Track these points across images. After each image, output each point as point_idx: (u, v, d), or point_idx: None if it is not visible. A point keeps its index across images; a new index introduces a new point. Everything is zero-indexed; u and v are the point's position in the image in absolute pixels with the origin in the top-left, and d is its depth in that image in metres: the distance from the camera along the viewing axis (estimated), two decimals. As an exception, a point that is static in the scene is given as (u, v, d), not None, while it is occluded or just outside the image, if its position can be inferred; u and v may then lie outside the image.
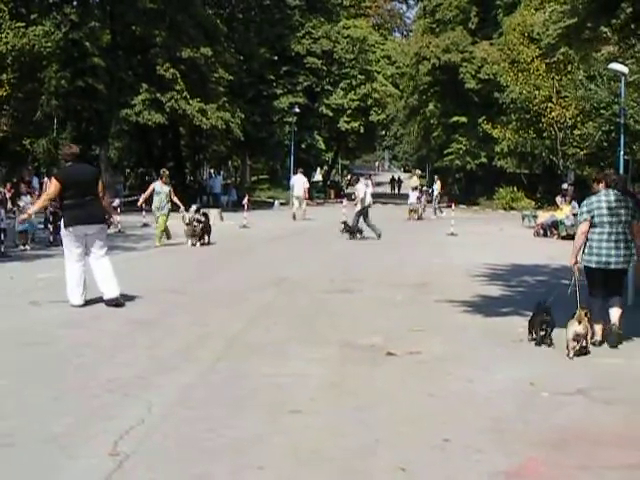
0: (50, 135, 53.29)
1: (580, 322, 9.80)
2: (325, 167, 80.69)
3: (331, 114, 65.11)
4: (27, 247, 22.56)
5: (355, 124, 66.18)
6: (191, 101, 47.56)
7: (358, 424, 7.04)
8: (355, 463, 6.16)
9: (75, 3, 49.58)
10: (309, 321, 12.10)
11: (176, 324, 11.67)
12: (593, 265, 10.78)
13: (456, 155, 62.56)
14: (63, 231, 13.34)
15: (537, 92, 49.06)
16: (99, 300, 13.08)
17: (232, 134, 52.01)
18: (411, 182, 45.63)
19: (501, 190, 55.02)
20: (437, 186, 49.19)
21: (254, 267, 19.35)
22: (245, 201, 36.74)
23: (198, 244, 24.35)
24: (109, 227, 14.42)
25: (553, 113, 48.70)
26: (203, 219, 24.98)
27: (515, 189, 54.04)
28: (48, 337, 10.55)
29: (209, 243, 24.93)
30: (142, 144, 58.48)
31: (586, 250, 10.81)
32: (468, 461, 6.24)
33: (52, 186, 13.39)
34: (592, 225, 10.71)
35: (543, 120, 49.47)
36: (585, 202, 10.96)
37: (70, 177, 13.29)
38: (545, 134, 50.79)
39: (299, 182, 42.56)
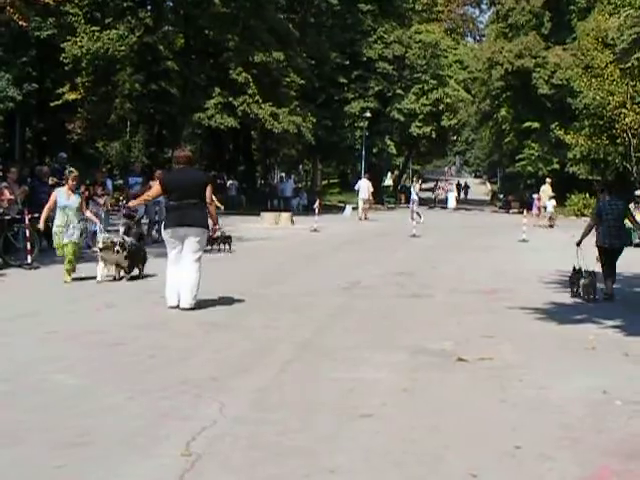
0: (123, 138, 53.89)
1: None
2: (396, 172, 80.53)
3: (402, 119, 64.88)
4: (95, 248, 22.82)
5: (427, 129, 65.91)
6: (263, 105, 47.76)
7: (429, 430, 7.03)
8: (425, 469, 6.15)
9: (149, 7, 50.16)
10: (379, 326, 12.10)
11: (248, 327, 11.75)
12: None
13: (528, 161, 62.09)
14: (163, 232, 13.74)
15: (611, 98, 48.45)
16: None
17: (303, 138, 52.14)
18: (548, 192, 44.34)
19: (573, 197, 54.38)
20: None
21: (324, 271, 19.39)
22: (316, 205, 36.81)
23: (119, 274, 16.72)
24: (214, 234, 14.60)
25: (627, 119, 48.06)
26: (130, 243, 17.13)
27: (587, 196, 53.42)
28: (123, 338, 10.69)
29: (141, 275, 17.11)
30: (214, 147, 59.05)
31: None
32: (539, 469, 6.20)
33: (155, 187, 14.04)
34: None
35: (617, 126, 48.88)
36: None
37: (173, 180, 13.68)
38: (618, 140, 50.20)
39: (364, 186, 44.67)
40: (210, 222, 13.96)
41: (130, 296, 14.66)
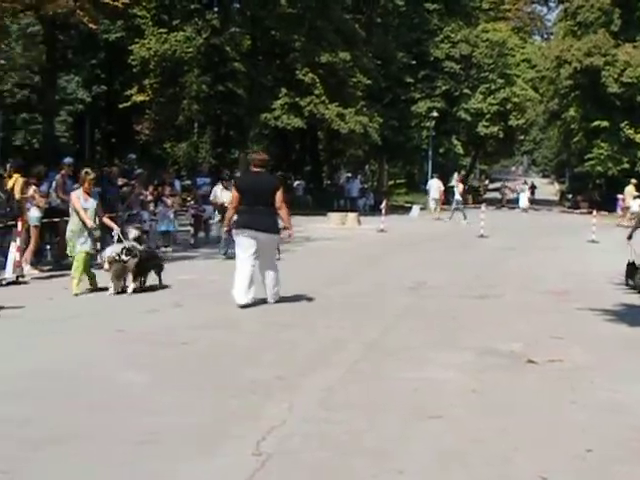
0: (190, 139, 54.28)
1: None
2: (463, 172, 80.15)
3: (469, 119, 64.55)
4: (169, 249, 23.03)
5: (494, 129, 65.52)
6: (329, 105, 47.81)
7: (498, 431, 6.98)
8: (494, 471, 6.10)
9: (216, 9, 50.51)
10: (447, 326, 12.04)
11: (315, 326, 11.77)
12: None
13: (597, 161, 61.24)
14: (234, 233, 14.19)
15: (683, 96, 47.72)
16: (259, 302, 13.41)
17: (370, 138, 52.05)
18: (632, 192, 43.87)
19: (644, 196, 53.56)
20: None
21: (391, 271, 19.34)
22: (383, 205, 36.72)
23: (130, 287, 15.08)
24: (290, 237, 14.74)
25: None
26: (139, 250, 15.42)
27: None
28: (190, 337, 10.77)
29: (161, 285, 15.93)
30: (281, 148, 59.24)
31: None
32: (610, 472, 6.12)
33: (232, 193, 14.50)
34: None
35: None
36: None
37: (245, 184, 14.21)
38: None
39: (435, 186, 45.25)
40: (282, 225, 14.29)
41: (196, 296, 14.76)
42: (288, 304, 13.80)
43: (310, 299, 14.31)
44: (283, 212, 13.95)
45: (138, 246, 15.48)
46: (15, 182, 17.56)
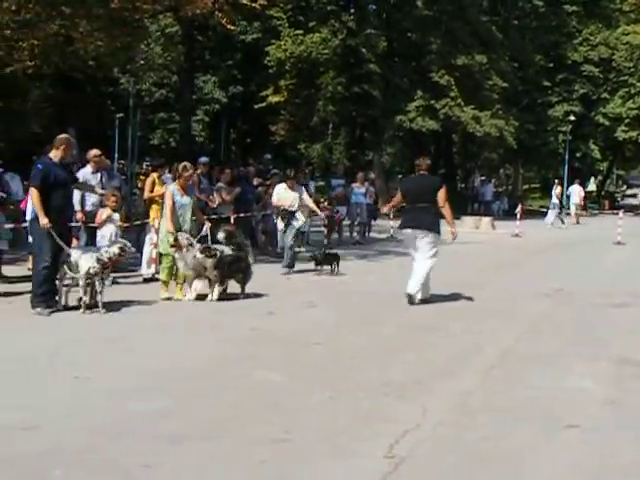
0: (325, 140, 54.60)
1: None
2: (599, 177, 78.58)
3: (607, 123, 63.18)
4: (302, 249, 23.16)
5: (633, 133, 63.99)
6: (465, 108, 47.55)
7: (636, 445, 6.78)
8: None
9: (352, 11, 50.63)
10: (584, 334, 11.76)
11: (450, 331, 11.66)
12: None
13: None
14: (401, 232, 14.90)
15: None
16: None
17: (505, 142, 51.53)
18: None
19: None
20: None
21: (526, 277, 19.06)
22: (518, 210, 36.26)
23: (215, 293, 14.06)
24: (452, 235, 14.79)
25: None
26: (220, 251, 14.24)
27: None
28: (324, 337, 10.82)
29: (242, 293, 14.55)
30: (415, 150, 58.96)
31: None
32: None
33: (397, 195, 15.00)
34: None
35: None
36: None
37: (407, 185, 15.04)
38: None
39: (576, 190, 44.95)
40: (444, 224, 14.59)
41: (330, 296, 14.82)
42: (424, 308, 13.75)
43: (446, 303, 14.23)
44: (446, 211, 14.37)
45: (223, 247, 14.50)
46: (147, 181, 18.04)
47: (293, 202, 18.55)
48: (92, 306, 12.43)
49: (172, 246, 13.84)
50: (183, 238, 13.93)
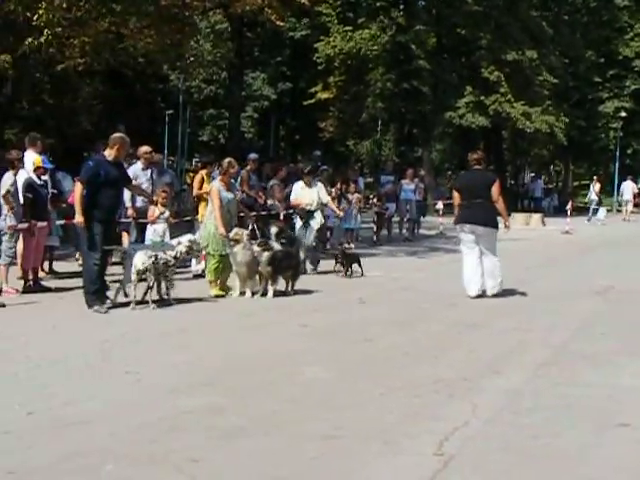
0: (374, 136, 54.55)
1: None
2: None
3: (659, 119, 62.57)
4: (352, 245, 23.16)
5: (687, 130, 63.30)
6: (515, 104, 47.30)
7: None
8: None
9: (402, 7, 50.53)
10: (636, 332, 11.65)
11: (499, 328, 11.62)
12: None
13: None
14: (457, 227, 14.89)
15: None
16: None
17: (555, 138, 51.18)
18: None
19: None
20: None
21: (576, 274, 18.91)
22: (568, 206, 36.01)
23: (270, 291, 14.05)
24: (506, 229, 14.92)
25: None
26: (272, 247, 14.38)
27: None
28: (374, 334, 10.85)
29: (290, 289, 14.69)
30: (464, 147, 58.71)
31: None
32: None
33: (454, 193, 15.11)
34: None
35: None
36: None
37: (462, 182, 15.24)
38: None
39: (628, 187, 44.99)
40: (500, 219, 14.80)
41: (379, 293, 14.84)
42: (473, 304, 13.78)
43: (495, 299, 14.20)
44: (500, 205, 14.57)
45: (274, 244, 14.64)
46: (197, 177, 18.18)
47: (311, 201, 17.90)
48: (143, 302, 12.58)
49: (233, 240, 13.81)
50: (243, 233, 14.06)
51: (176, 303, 12.90)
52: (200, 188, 17.49)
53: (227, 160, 15.08)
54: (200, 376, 8.38)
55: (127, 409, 7.18)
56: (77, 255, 16.55)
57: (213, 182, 15.35)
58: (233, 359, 9.26)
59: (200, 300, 13.47)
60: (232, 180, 15.26)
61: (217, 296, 14.03)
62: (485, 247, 14.38)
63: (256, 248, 13.92)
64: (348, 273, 17.19)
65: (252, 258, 13.93)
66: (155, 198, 15.53)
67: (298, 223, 18.16)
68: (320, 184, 18.37)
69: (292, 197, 18.41)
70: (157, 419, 6.87)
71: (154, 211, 15.56)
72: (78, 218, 12.39)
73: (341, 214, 19.86)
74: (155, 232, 15.61)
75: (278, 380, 8.29)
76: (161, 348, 9.84)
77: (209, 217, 14.57)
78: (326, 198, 18.20)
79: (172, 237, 15.02)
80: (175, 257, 13.02)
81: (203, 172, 18.17)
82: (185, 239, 13.45)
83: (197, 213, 17.50)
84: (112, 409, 7.17)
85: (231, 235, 13.86)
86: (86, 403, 7.29)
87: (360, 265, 17.29)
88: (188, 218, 18.61)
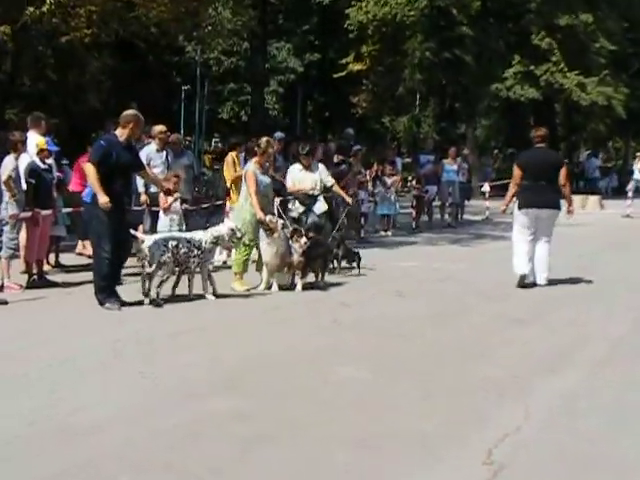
0: (412, 112, 54.31)
1: None
2: None
3: None
4: (388, 233, 23.19)
5: None
6: (568, 74, 46.87)
7: None
8: None
9: (441, -34, 50.14)
10: None
11: (551, 322, 11.60)
12: None
13: None
14: (515, 210, 14.85)
15: None
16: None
17: (613, 111, 50.71)
18: None
19: None
20: None
21: (638, 262, 18.85)
22: (629, 187, 35.73)
23: (299, 284, 14.18)
24: (570, 214, 15.01)
25: None
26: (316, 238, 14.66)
27: None
28: (412, 329, 10.85)
29: (320, 282, 14.71)
30: (512, 122, 58.44)
31: None
32: None
33: (515, 171, 15.02)
34: None
35: None
36: None
37: (528, 160, 14.99)
38: None
39: None
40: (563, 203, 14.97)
41: (417, 285, 14.84)
42: (523, 295, 13.79)
43: (548, 290, 14.19)
44: (567, 189, 14.87)
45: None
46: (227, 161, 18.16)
47: (313, 185, 16.44)
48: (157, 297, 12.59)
49: (268, 230, 13.70)
50: (278, 222, 13.95)
51: (196, 298, 12.91)
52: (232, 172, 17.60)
53: (265, 139, 14.89)
54: (221, 377, 8.41)
55: (142, 414, 7.20)
56: (79, 246, 16.63)
57: (248, 164, 15.09)
58: (257, 358, 9.26)
59: (221, 295, 13.40)
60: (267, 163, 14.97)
61: (246, 290, 13.97)
62: (543, 232, 14.55)
63: (293, 240, 13.88)
64: (336, 271, 16.30)
65: (286, 249, 13.88)
66: (165, 184, 14.92)
67: (296, 209, 16.56)
68: (322, 166, 17.01)
69: (289, 183, 16.78)
70: (174, 425, 6.89)
71: (166, 198, 15.35)
72: (102, 199, 11.98)
73: (351, 201, 17.62)
74: (172, 221, 15.44)
75: (307, 381, 8.30)
76: (177, 348, 9.85)
77: (244, 204, 14.44)
78: (330, 182, 16.71)
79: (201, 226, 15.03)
80: (199, 247, 12.85)
81: (233, 154, 18.20)
82: (225, 228, 13.31)
83: (228, 199, 17.54)
84: (126, 414, 7.19)
85: (267, 221, 13.76)
86: (98, 408, 7.32)
87: (359, 265, 16.37)
88: (206, 205, 18.64)
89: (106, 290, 12.35)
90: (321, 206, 16.58)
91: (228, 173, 18.00)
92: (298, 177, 16.51)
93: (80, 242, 17.00)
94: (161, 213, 15.37)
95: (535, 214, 14.46)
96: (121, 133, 12.69)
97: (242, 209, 14.42)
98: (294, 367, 8.86)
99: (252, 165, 14.50)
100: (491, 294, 13.73)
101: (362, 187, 23.09)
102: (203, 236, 13.09)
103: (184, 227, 15.28)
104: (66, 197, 16.32)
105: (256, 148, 15.07)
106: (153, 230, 15.28)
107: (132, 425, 6.88)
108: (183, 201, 15.85)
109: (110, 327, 10.97)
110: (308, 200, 16.37)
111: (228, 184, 18.01)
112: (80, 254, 16.82)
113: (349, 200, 17.11)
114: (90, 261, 14.00)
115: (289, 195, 16.45)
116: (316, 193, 16.47)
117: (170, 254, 12.47)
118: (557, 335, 10.73)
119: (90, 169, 12.33)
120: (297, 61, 61.60)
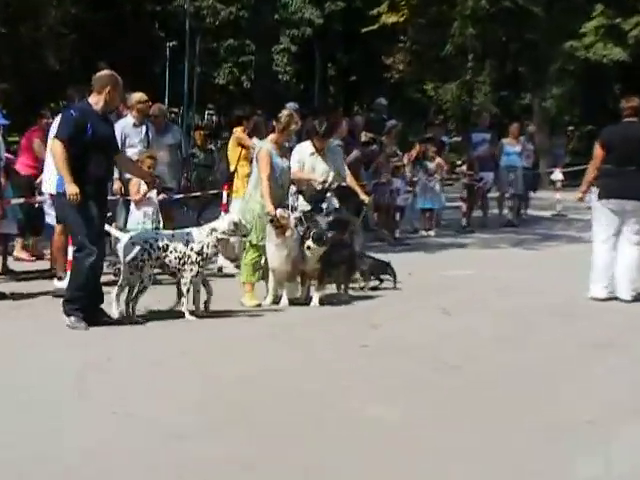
0: (463, 77, 54.20)
1: None
2: None
3: None
4: (431, 232, 23.20)
5: None
6: (666, 29, 46.83)
7: None
8: None
9: None
10: None
11: (636, 349, 11.63)
12: None
13: None
14: (594, 202, 14.74)
15: None
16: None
17: None
18: None
19: None
20: None
21: None
22: None
23: (316, 297, 14.13)
24: None
25: None
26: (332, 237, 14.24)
27: None
28: (461, 357, 10.91)
29: (347, 294, 14.91)
30: (592, 90, 58.38)
31: None
32: None
33: (596, 151, 14.80)
34: None
35: None
36: None
37: (614, 138, 14.73)
38: None
39: None
40: None
41: (470, 299, 14.85)
42: (607, 314, 13.78)
43: (634, 306, 14.28)
44: None
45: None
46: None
47: (326, 174, 15.18)
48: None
49: (277, 227, 13.40)
50: (290, 218, 13.70)
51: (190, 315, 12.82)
52: (238, 154, 17.46)
53: (286, 111, 14.66)
54: (220, 415, 8.44)
55: (117, 462, 7.16)
56: (17, 248, 16.67)
57: (262, 143, 14.72)
58: (263, 391, 9.27)
59: (226, 313, 13.34)
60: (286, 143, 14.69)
61: (257, 305, 13.88)
62: (631, 230, 14.42)
63: (310, 244, 13.54)
64: (364, 287, 15.72)
65: (299, 252, 13.70)
66: (140, 165, 14.77)
67: (300, 205, 15.32)
68: (339, 150, 16.28)
69: (294, 168, 15.08)
70: (161, 475, 6.89)
71: (139, 186, 15.10)
72: (71, 189, 11.69)
73: (366, 199, 16.23)
74: (146, 216, 15.23)
75: (328, 422, 8.29)
76: (162, 376, 9.89)
77: (254, 193, 14.16)
78: (345, 172, 15.73)
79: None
80: (199, 252, 12.59)
81: (239, 129, 17.94)
82: (225, 223, 13.00)
83: (226, 187, 17.51)
84: (96, 465, 7.12)
85: (276, 215, 13.40)
86: (58, 457, 7.26)
87: (395, 278, 15.93)
88: (197, 194, 18.70)
89: (78, 303, 12.13)
90: (331, 205, 15.40)
91: (234, 154, 17.83)
92: (309, 162, 15.28)
93: (19, 242, 17.03)
94: (132, 206, 15.25)
95: (620, 206, 14.28)
96: (96, 100, 12.35)
97: (251, 199, 14.15)
98: (311, 404, 8.85)
99: (267, 143, 14.22)
100: (563, 311, 13.72)
101: (397, 174, 22.98)
102: (203, 237, 12.72)
103: (161, 224, 15.17)
104: (16, 184, 16.32)
105: (275, 123, 14.73)
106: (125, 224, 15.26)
107: (110, 473, 6.88)
108: (165, 190, 15.84)
109: (75, 351, 10.92)
110: (316, 196, 15.25)
111: (232, 168, 17.86)
112: (18, 259, 16.88)
113: (365, 198, 16.07)
114: (48, 266, 14.03)
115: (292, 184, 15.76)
116: (327, 186, 15.26)
117: (150, 258, 12.41)
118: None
119: (57, 148, 12.04)
120: (315, 11, 61.40)
